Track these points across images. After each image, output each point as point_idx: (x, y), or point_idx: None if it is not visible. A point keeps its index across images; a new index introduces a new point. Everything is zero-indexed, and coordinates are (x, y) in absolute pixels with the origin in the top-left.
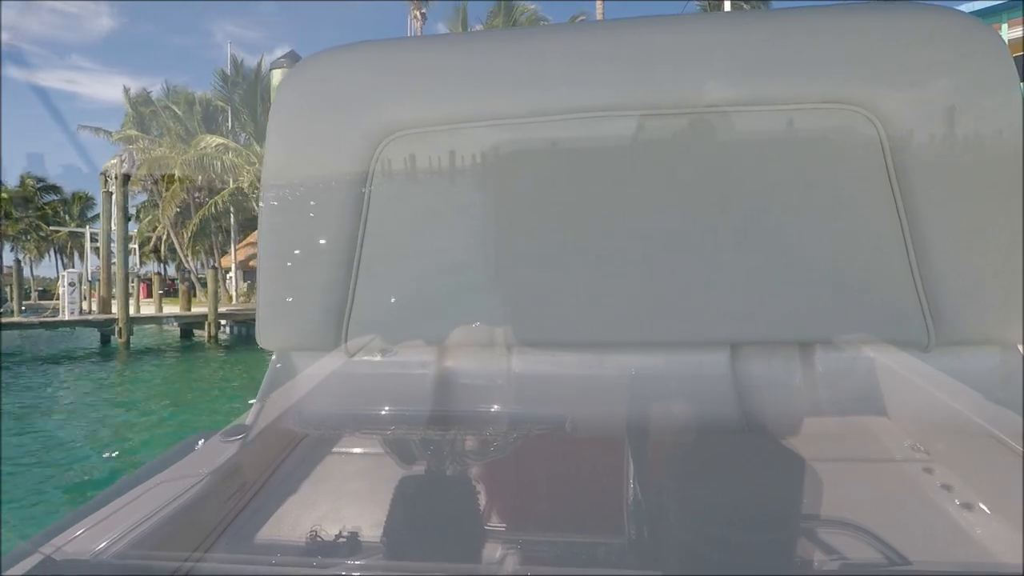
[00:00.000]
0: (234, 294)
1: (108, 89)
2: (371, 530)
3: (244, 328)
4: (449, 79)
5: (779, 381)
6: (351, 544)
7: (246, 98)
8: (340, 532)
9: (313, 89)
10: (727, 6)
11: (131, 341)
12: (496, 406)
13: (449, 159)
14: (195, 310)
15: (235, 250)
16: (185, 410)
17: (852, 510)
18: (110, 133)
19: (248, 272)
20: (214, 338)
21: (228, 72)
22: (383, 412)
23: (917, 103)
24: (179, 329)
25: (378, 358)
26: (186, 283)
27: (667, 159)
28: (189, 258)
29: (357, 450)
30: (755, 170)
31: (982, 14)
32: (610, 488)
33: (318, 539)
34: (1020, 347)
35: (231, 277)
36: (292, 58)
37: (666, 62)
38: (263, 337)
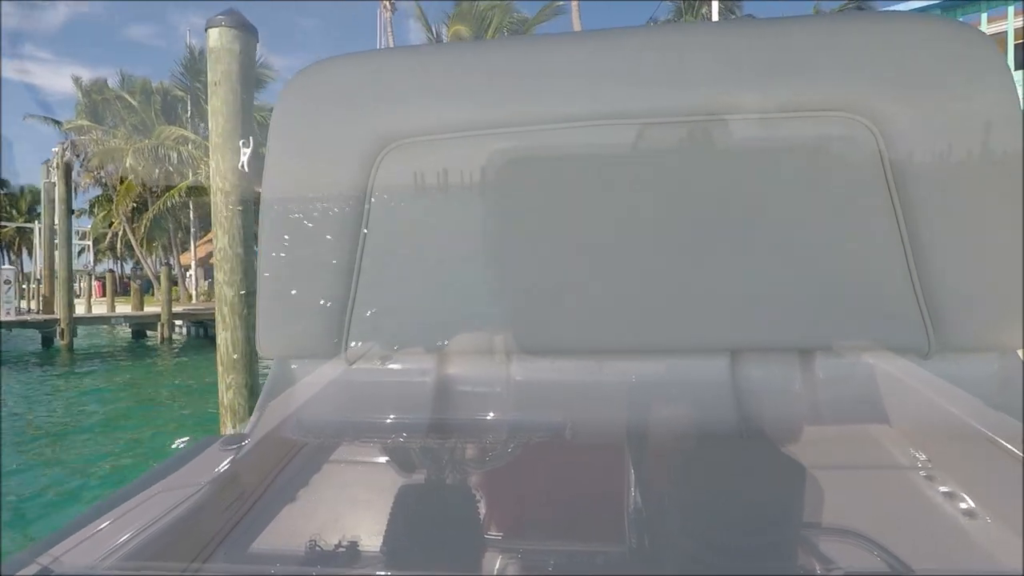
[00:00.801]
0: (194, 292)
1: (63, 80)
2: (371, 539)
3: (202, 329)
4: (451, 87)
5: (779, 387)
6: (351, 553)
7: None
8: (340, 541)
9: (314, 98)
10: (715, 6)
11: (76, 344)
12: (496, 413)
13: (450, 168)
14: (149, 309)
15: (195, 247)
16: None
17: (853, 516)
18: (59, 123)
19: (209, 270)
20: (168, 339)
21: (188, 58)
22: (383, 420)
23: (915, 111)
24: (131, 330)
25: (378, 366)
26: (138, 281)
27: (666, 167)
28: (145, 255)
29: (357, 458)
30: (754, 177)
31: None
32: (610, 495)
33: (318, 548)
34: (1019, 353)
35: (191, 275)
36: (232, 16)
37: (665, 70)
38: (263, 345)
